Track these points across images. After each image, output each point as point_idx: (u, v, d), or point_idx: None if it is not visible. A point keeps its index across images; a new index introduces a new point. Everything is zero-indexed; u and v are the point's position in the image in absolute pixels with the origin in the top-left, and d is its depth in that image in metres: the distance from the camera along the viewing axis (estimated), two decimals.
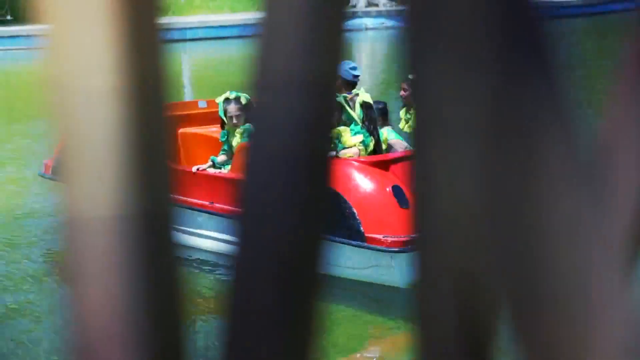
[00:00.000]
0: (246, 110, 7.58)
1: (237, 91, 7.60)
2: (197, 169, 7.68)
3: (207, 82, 18.43)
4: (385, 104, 8.12)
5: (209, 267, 7.47)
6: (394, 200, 6.34)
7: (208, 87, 16.62)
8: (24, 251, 7.98)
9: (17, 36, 26.47)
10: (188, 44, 24.44)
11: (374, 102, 7.73)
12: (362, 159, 6.97)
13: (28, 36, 26.57)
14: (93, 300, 1.11)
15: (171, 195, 1.16)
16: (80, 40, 1.13)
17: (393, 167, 6.63)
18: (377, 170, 6.70)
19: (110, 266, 1.11)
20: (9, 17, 28.25)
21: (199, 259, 7.49)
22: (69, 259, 1.12)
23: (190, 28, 26.52)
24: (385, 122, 7.97)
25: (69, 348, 1.12)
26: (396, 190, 6.39)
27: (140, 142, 1.12)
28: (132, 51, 1.12)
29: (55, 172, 8.56)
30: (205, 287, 7.08)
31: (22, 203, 9.53)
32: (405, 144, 7.75)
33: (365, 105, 7.39)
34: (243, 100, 7.58)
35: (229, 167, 7.68)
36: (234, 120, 7.64)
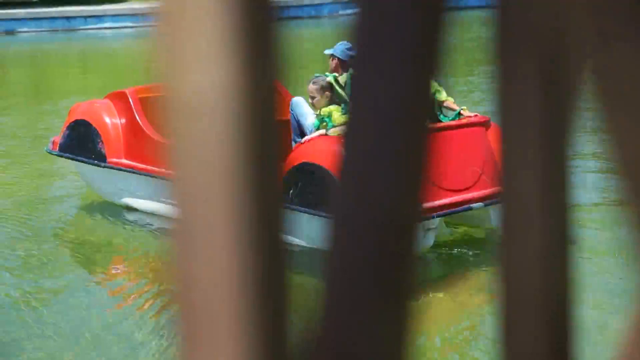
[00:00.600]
0: None
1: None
2: None
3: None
4: None
5: None
6: None
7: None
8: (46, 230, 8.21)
9: (42, 18, 26.74)
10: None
11: None
12: None
13: (52, 18, 26.85)
14: (204, 297, 1.11)
15: (281, 196, 1.15)
16: (196, 41, 1.09)
17: None
18: None
19: (223, 264, 1.11)
20: None
21: None
22: (180, 257, 1.12)
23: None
24: None
25: (178, 345, 1.11)
26: None
27: (254, 143, 1.10)
28: (247, 49, 1.09)
29: (62, 149, 8.82)
30: None
31: (50, 182, 9.78)
32: None
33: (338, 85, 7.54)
34: None
35: None
36: None
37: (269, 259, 1.11)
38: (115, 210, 8.49)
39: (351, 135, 1.18)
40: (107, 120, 8.42)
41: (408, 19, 1.15)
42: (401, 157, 1.17)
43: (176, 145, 1.10)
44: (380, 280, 1.17)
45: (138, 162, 8.19)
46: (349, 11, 1.19)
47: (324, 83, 7.52)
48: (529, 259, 1.26)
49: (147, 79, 1.13)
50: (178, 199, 1.12)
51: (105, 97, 8.67)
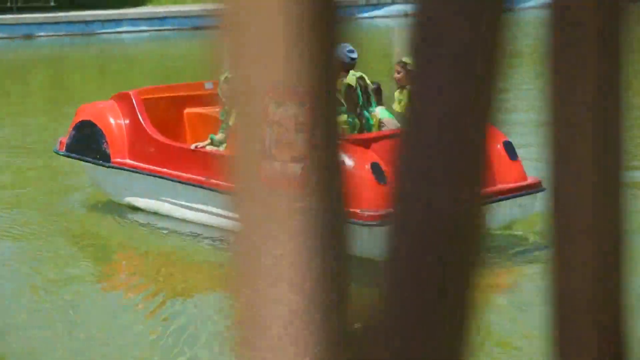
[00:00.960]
0: None
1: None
2: (196, 147, 8.03)
3: None
4: (379, 84, 8.38)
5: (204, 238, 7.83)
6: (372, 177, 6.60)
7: None
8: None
9: (60, 22, 26.96)
10: None
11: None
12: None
13: (70, 23, 27.08)
14: (268, 300, 1.11)
15: (346, 207, 1.15)
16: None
17: (375, 145, 6.89)
18: (357, 148, 6.97)
19: (284, 269, 1.10)
20: (52, 4, 28.80)
21: (193, 230, 7.89)
22: (242, 262, 1.12)
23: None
24: (380, 102, 8.23)
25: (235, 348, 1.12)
26: (375, 168, 6.65)
27: (320, 150, 1.09)
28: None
29: (68, 149, 8.97)
30: (204, 258, 7.44)
31: (61, 180, 9.92)
32: (397, 122, 8.01)
33: (347, 87, 7.65)
34: None
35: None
36: (223, 99, 7.98)
37: (333, 269, 1.10)
38: (118, 209, 8.64)
39: (411, 140, 1.17)
40: (112, 121, 8.56)
41: (467, 20, 1.14)
42: (462, 160, 1.15)
43: (239, 153, 1.08)
44: (443, 282, 1.16)
45: (141, 162, 8.33)
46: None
47: None
48: (581, 263, 1.23)
49: (203, 76, 1.12)
50: (240, 209, 1.11)
51: (111, 99, 8.81)
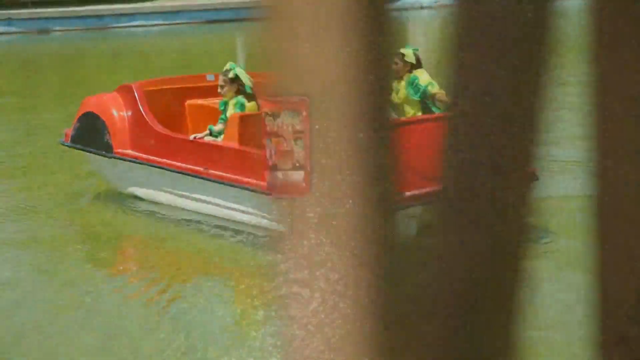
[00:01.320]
0: (233, 84, 7.93)
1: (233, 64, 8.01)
2: (194, 137, 8.15)
3: None
4: None
5: (202, 227, 7.94)
6: None
7: None
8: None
9: (75, 17, 27.10)
10: None
11: None
12: None
13: (85, 17, 27.24)
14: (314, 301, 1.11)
15: (398, 192, 1.14)
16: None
17: None
18: None
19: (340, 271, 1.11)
20: None
21: (192, 219, 8.02)
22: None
23: None
24: None
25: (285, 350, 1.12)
26: None
27: (373, 143, 1.10)
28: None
29: (73, 141, 9.11)
30: (202, 246, 7.55)
31: (70, 173, 10.05)
32: (393, 113, 8.06)
33: None
34: (230, 74, 7.94)
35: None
36: (219, 90, 8.08)
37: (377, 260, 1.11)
38: (120, 199, 8.78)
39: (458, 123, 1.18)
40: (114, 112, 8.68)
41: (513, 8, 1.13)
42: (511, 141, 1.14)
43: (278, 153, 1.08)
44: (493, 276, 1.16)
45: (142, 153, 8.45)
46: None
47: None
48: (624, 257, 1.22)
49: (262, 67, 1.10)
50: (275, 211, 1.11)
51: (114, 91, 8.94)
